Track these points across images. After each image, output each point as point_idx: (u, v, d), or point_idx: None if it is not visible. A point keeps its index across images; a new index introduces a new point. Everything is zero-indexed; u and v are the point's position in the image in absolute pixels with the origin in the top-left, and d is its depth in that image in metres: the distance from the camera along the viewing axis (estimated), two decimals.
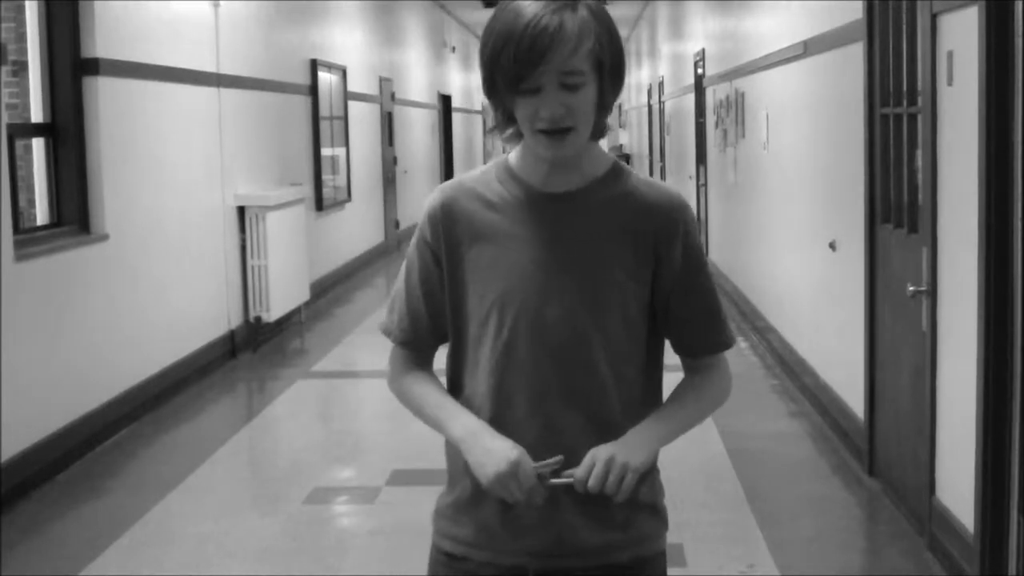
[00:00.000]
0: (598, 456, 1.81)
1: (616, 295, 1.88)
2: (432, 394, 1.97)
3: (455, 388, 1.97)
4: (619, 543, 1.91)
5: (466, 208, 1.92)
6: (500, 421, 1.87)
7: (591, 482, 1.79)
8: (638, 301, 1.90)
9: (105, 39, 6.14)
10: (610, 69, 1.82)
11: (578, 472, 1.81)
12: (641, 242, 1.89)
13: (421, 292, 1.95)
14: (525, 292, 1.87)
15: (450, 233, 1.92)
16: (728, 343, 1.98)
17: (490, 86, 1.83)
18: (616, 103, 1.94)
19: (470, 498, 1.92)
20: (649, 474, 1.94)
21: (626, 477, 1.80)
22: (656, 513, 1.96)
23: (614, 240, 1.88)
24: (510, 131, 1.87)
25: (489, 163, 1.99)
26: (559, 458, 1.82)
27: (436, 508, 2.01)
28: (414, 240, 1.98)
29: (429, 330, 1.97)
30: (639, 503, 1.92)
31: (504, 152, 2.03)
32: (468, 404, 1.92)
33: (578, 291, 1.86)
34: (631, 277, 1.88)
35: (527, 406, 1.86)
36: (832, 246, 5.80)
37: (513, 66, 1.76)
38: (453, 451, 1.95)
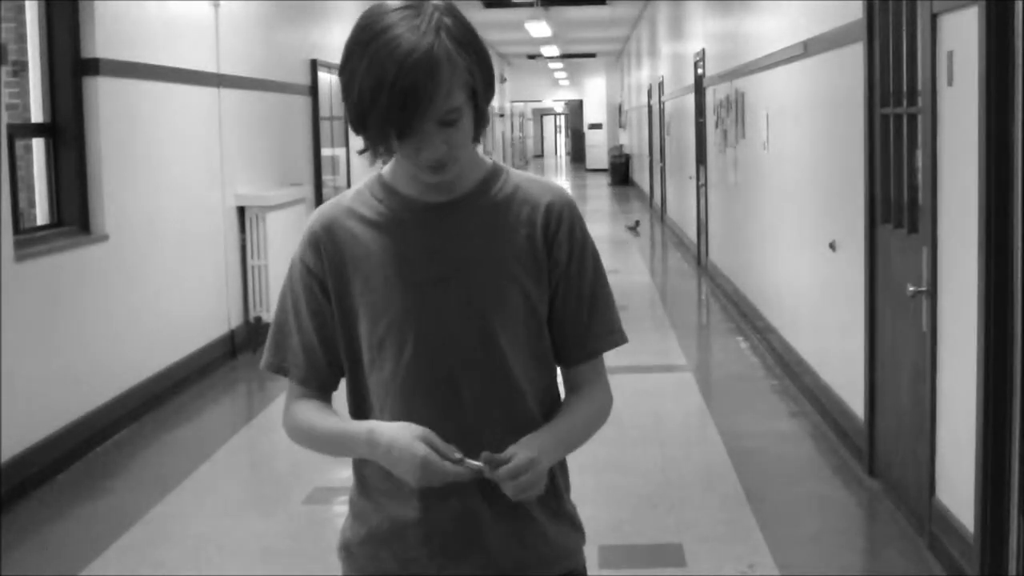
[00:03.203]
0: (522, 459, 1.72)
1: (517, 296, 1.81)
2: (324, 413, 1.88)
3: (358, 419, 1.87)
4: (546, 559, 1.87)
5: (347, 228, 1.84)
6: None
7: (505, 475, 1.70)
8: (540, 301, 1.84)
9: (105, 39, 6.15)
10: (483, 91, 1.75)
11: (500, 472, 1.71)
12: (531, 239, 1.83)
13: (314, 326, 1.87)
14: (425, 307, 1.80)
15: (334, 257, 1.84)
16: (607, 346, 1.89)
17: (362, 127, 1.72)
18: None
19: (388, 531, 1.87)
20: (565, 488, 1.91)
21: (536, 485, 1.72)
22: (577, 528, 1.93)
23: (506, 241, 1.82)
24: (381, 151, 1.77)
25: (361, 182, 1.90)
26: (457, 456, 1.73)
27: (344, 543, 1.95)
28: (295, 270, 1.88)
29: (327, 366, 1.89)
30: (562, 516, 1.89)
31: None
32: None
33: (479, 297, 1.80)
34: (529, 275, 1.82)
35: (442, 421, 1.78)
36: (832, 246, 5.80)
37: (391, 117, 1.67)
38: (359, 484, 1.91)
